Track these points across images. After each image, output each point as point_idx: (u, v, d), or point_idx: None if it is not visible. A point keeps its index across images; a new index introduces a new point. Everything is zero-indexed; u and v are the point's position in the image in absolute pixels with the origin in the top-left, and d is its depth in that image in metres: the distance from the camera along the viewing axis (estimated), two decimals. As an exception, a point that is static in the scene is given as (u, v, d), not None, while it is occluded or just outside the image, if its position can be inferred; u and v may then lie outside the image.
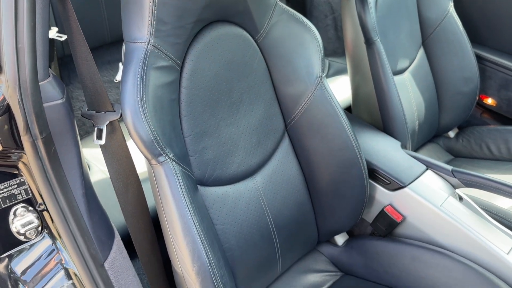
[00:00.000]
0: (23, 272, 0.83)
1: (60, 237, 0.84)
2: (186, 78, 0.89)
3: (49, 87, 0.77)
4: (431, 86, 1.63)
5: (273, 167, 1.10)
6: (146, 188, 0.96)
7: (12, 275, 0.83)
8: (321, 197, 1.16)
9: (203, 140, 0.94)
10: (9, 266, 0.83)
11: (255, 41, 1.04)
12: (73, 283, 0.86)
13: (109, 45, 1.70)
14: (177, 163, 0.82)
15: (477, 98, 1.70)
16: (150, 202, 0.96)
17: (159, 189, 0.82)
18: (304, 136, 1.11)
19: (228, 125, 0.99)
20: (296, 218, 1.13)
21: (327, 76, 2.04)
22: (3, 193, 0.82)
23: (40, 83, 0.73)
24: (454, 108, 1.67)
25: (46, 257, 0.85)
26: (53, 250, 0.84)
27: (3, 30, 0.68)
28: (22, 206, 0.85)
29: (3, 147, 0.77)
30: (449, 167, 1.17)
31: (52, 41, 1.35)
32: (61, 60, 1.59)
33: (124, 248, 0.96)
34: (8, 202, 0.82)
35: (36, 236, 0.86)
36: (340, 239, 1.27)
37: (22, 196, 0.84)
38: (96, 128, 0.84)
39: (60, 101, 0.77)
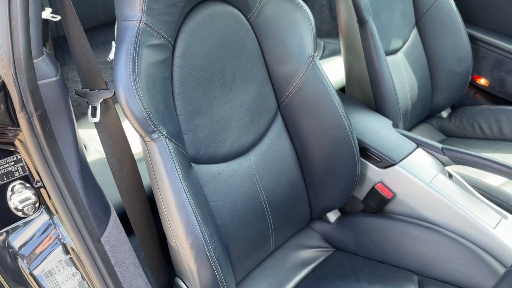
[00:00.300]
0: (22, 247, 0.85)
1: (57, 212, 0.86)
2: (178, 57, 0.90)
3: (43, 64, 0.78)
4: (424, 66, 1.64)
5: (266, 146, 1.11)
6: (142, 168, 0.98)
7: (10, 250, 0.85)
8: (313, 175, 1.18)
9: (196, 119, 0.96)
10: (8, 241, 0.85)
11: (247, 20, 1.04)
12: (70, 258, 0.88)
13: (103, 26, 1.70)
14: (170, 140, 0.84)
15: (470, 78, 1.71)
16: (146, 181, 0.98)
17: (153, 166, 0.84)
18: (297, 116, 1.13)
19: (221, 103, 1.01)
20: (289, 196, 1.15)
21: (322, 57, 2.05)
22: (0, 170, 0.84)
23: (34, 61, 0.74)
24: (447, 88, 1.68)
25: (44, 232, 0.87)
26: (50, 225, 0.86)
27: (-4, 8, 0.68)
28: (20, 183, 0.86)
29: (-1, 124, 0.78)
30: (439, 145, 1.19)
31: (46, 22, 1.36)
32: (55, 41, 1.59)
33: (120, 224, 0.98)
34: (5, 179, 0.84)
35: (34, 212, 0.88)
36: (332, 216, 1.30)
37: (19, 173, 0.86)
38: (90, 106, 0.86)
39: (54, 79, 0.78)
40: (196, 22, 0.93)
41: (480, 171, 1.17)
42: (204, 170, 0.99)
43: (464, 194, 1.12)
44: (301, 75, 1.08)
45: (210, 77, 0.97)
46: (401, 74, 1.54)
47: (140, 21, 0.82)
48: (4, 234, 0.84)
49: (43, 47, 0.81)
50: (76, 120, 1.43)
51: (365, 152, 1.22)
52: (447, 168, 1.22)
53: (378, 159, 1.20)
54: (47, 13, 0.98)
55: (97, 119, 0.85)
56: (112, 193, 1.03)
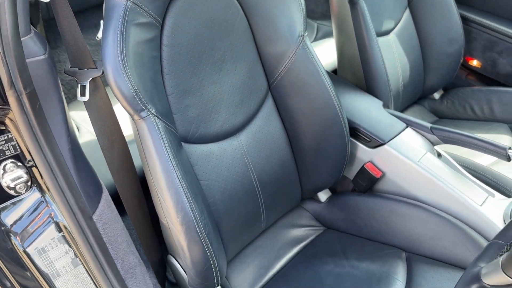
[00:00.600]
0: (14, 225, 0.86)
1: (48, 190, 0.87)
2: (167, 36, 0.90)
3: (31, 42, 0.78)
4: (416, 47, 1.65)
5: (257, 126, 1.12)
6: (134, 151, 0.98)
7: (3, 228, 0.86)
8: (304, 155, 1.19)
9: (186, 98, 0.97)
10: (0, 219, 0.86)
11: (236, -1, 1.04)
12: (63, 235, 0.90)
13: (94, 8, 1.69)
14: (159, 119, 0.84)
15: (462, 60, 1.72)
16: (138, 163, 0.99)
17: (142, 144, 0.85)
18: (287, 96, 1.14)
19: (211, 83, 1.01)
20: (280, 176, 1.17)
21: (316, 39, 2.04)
22: (-9, 149, 0.85)
23: (21, 39, 0.74)
24: (439, 69, 1.69)
25: (36, 210, 0.88)
26: (42, 202, 0.87)
27: (-18, -14, 0.69)
28: (11, 162, 0.87)
29: (-12, 103, 0.79)
30: (428, 125, 1.20)
31: (37, 3, 1.35)
32: (46, 22, 1.59)
33: (112, 203, 1.00)
34: (-3, 157, 0.85)
35: (26, 190, 0.89)
36: (323, 195, 1.32)
37: (10, 152, 0.87)
38: (79, 85, 0.86)
39: (42, 57, 0.78)
40: (185, 1, 0.93)
41: (471, 151, 1.19)
42: (194, 150, 1.00)
43: (452, 172, 1.13)
44: (291, 55, 1.09)
45: (200, 57, 0.98)
46: (393, 55, 1.54)
47: (127, 0, 0.82)
48: (-3, 211, 0.86)
49: (31, 25, 0.81)
50: (69, 103, 1.43)
51: (355, 132, 1.24)
52: (436, 147, 1.23)
53: (368, 139, 1.21)
54: (36, -7, 0.98)
55: (86, 98, 0.86)
56: (105, 174, 1.04)
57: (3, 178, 0.86)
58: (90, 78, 0.86)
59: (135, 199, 1.03)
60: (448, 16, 1.63)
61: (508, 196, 1.14)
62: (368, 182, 1.23)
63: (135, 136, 0.89)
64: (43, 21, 1.49)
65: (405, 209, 1.14)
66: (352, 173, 1.28)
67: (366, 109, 1.28)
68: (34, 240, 0.88)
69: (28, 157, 0.87)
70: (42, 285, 0.88)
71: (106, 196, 0.98)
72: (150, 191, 0.94)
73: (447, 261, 1.08)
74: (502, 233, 0.72)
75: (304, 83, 1.11)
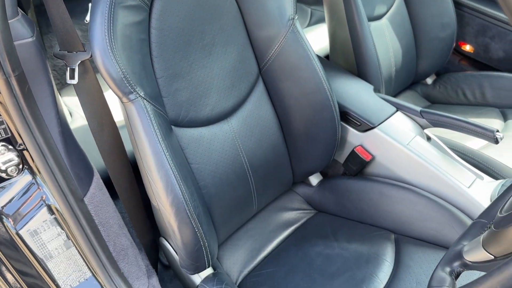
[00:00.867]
0: (5, 206, 0.87)
1: (40, 173, 0.88)
2: (155, 19, 0.91)
3: (18, 25, 0.78)
4: (408, 32, 1.65)
5: (248, 110, 1.13)
6: (125, 135, 0.99)
7: (-5, 210, 0.87)
8: (295, 139, 1.20)
9: (176, 82, 0.97)
10: (-8, 201, 0.87)
11: (226, -18, 1.04)
12: (55, 218, 0.91)
13: (87, -7, 1.68)
14: (148, 102, 0.85)
15: (454, 45, 1.72)
16: (129, 147, 1.00)
17: (131, 127, 0.86)
18: (278, 80, 1.14)
19: (201, 67, 1.01)
20: (271, 160, 1.18)
21: (309, 24, 2.04)
22: (-18, 132, 0.85)
23: (9, 21, 0.74)
24: (431, 54, 1.69)
25: (27, 193, 0.89)
26: (33, 184, 0.88)
27: (-33, -33, 0.69)
28: (2, 145, 0.88)
29: (-23, 86, 0.79)
30: (418, 108, 1.21)
31: (27, -12, 1.34)
32: (37, 8, 1.58)
33: (104, 186, 1.01)
34: (-13, 141, 0.86)
35: (18, 173, 0.89)
36: (315, 179, 1.33)
37: (1, 135, 0.87)
38: (68, 68, 0.87)
39: (30, 39, 0.78)
40: (173, -16, 0.93)
41: (461, 135, 1.20)
42: (185, 134, 1.01)
43: (441, 155, 1.15)
44: (281, 38, 1.09)
45: (189, 40, 0.98)
46: (385, 40, 1.54)
47: (115, -18, 0.82)
48: (-11, 194, 0.87)
49: (17, 7, 0.81)
50: (62, 88, 1.43)
51: (346, 116, 1.24)
52: (426, 131, 1.24)
53: (358, 123, 1.22)
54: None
55: (75, 81, 0.86)
56: (98, 159, 1.05)
57: (-6, 161, 0.87)
58: (79, 61, 0.86)
59: (126, 182, 1.04)
60: (440, 0, 1.63)
61: (497, 179, 1.15)
62: (358, 166, 1.24)
63: (125, 119, 0.89)
64: (34, 6, 1.48)
65: (394, 191, 1.15)
66: (342, 157, 1.29)
67: (357, 93, 1.29)
68: (26, 223, 0.89)
69: (19, 140, 0.87)
70: (35, 266, 0.90)
71: (97, 179, 0.99)
72: (141, 173, 0.95)
73: (434, 242, 1.10)
74: (486, 212, 0.73)
75: (294, 67, 1.11)
